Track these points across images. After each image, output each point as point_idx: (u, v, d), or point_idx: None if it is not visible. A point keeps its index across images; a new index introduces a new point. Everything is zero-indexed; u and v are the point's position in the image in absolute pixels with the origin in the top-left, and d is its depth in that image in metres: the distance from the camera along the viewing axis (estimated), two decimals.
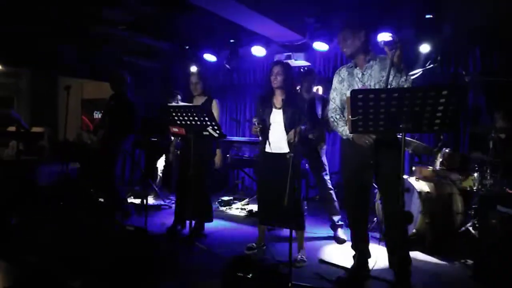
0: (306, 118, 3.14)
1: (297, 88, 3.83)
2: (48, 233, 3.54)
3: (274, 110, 3.19)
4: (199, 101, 3.77)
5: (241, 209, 5.10)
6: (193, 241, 3.25)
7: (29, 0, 4.27)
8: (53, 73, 5.85)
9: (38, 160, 5.17)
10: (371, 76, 2.60)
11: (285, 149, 3.08)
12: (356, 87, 2.62)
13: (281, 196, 2.70)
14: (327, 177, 3.83)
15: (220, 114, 3.76)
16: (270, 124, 3.19)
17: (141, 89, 6.33)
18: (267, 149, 3.20)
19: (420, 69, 4.02)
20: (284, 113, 3.12)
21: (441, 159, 3.93)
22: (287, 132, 3.07)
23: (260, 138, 3.22)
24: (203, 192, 3.68)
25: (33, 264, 2.87)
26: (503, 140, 3.70)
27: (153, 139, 5.36)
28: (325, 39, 4.80)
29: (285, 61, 3.33)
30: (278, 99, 3.20)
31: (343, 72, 2.76)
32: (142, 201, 4.72)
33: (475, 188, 3.65)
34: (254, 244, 3.38)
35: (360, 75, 2.65)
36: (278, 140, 3.14)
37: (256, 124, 3.13)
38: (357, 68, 2.68)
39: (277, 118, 3.16)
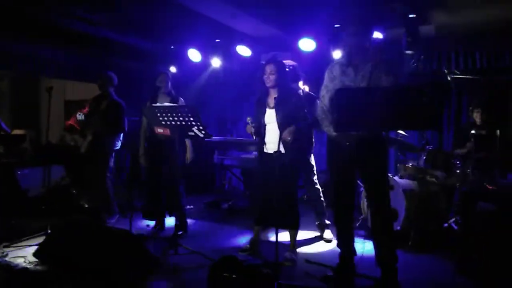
0: (303, 115, 3.08)
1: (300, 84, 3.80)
2: (33, 237, 3.49)
3: (268, 110, 3.14)
4: (165, 101, 3.77)
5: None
6: (177, 242, 3.22)
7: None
8: (35, 74, 5.74)
9: (20, 163, 5.06)
10: (364, 78, 2.54)
11: (275, 149, 3.01)
12: None
13: (275, 196, 2.70)
14: (314, 177, 3.83)
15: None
16: (265, 125, 3.15)
17: (125, 90, 6.25)
18: (264, 150, 3.18)
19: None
20: (277, 112, 3.07)
21: (425, 157, 3.98)
22: (281, 131, 3.01)
23: (254, 137, 3.19)
24: (177, 192, 3.71)
25: (21, 268, 2.82)
26: (483, 136, 3.77)
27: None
28: (311, 38, 4.81)
29: (278, 59, 3.23)
30: (271, 98, 3.15)
31: (336, 69, 2.68)
32: (127, 202, 4.67)
33: (457, 184, 3.72)
34: (248, 245, 3.35)
35: (353, 75, 2.58)
36: (273, 141, 3.08)
37: (250, 123, 3.11)
38: (351, 67, 2.60)
39: (271, 118, 3.11)
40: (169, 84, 3.81)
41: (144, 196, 4.02)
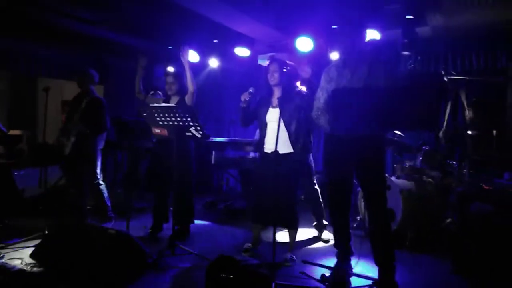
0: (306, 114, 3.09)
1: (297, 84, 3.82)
2: (30, 238, 3.48)
3: (270, 109, 3.16)
4: (174, 101, 3.74)
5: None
6: (175, 243, 3.21)
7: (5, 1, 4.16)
8: (32, 74, 5.72)
9: (17, 163, 5.04)
10: (361, 79, 2.54)
11: (281, 149, 2.96)
12: None
13: (275, 195, 2.69)
14: (312, 177, 3.83)
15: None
16: (266, 124, 3.16)
17: (122, 89, 6.24)
18: (265, 150, 3.18)
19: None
20: (281, 111, 3.03)
21: (421, 157, 3.99)
22: (288, 130, 3.05)
23: (243, 105, 3.15)
24: (187, 194, 3.65)
25: (16, 270, 2.81)
26: (475, 136, 3.78)
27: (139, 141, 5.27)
28: (309, 37, 4.80)
29: (280, 58, 3.28)
30: (275, 97, 3.16)
31: (333, 71, 2.70)
32: (124, 204, 4.65)
33: (454, 185, 3.73)
34: (250, 245, 3.35)
35: (349, 76, 2.59)
36: (273, 141, 3.03)
37: (250, 91, 3.12)
38: (347, 69, 2.62)
39: (273, 117, 3.10)
40: (175, 84, 3.73)
41: (154, 199, 3.90)
